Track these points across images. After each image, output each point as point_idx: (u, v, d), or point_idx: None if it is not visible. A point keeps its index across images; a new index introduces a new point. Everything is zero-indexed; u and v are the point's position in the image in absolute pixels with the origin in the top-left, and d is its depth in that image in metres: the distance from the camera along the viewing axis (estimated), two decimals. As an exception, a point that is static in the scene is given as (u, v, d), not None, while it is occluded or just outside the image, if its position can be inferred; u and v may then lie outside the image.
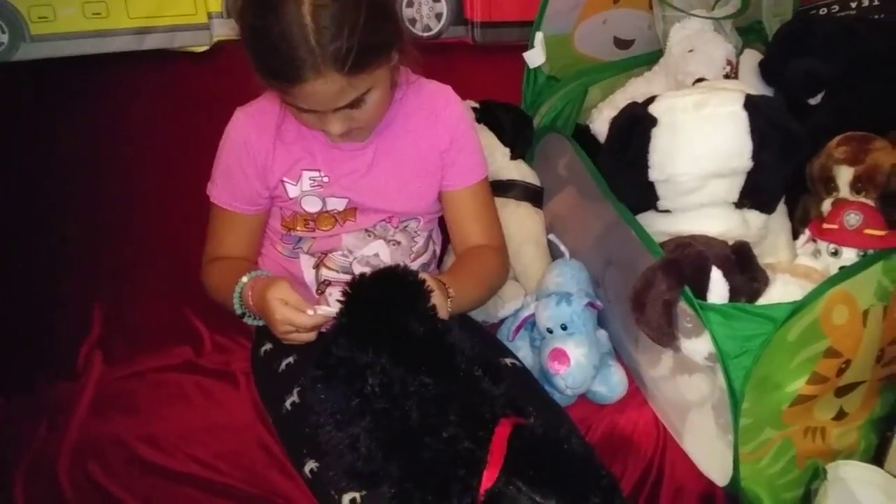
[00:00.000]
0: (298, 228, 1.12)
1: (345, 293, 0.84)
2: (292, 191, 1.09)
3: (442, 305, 0.92)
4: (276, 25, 0.86)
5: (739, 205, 1.14)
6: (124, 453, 1.06)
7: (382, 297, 0.83)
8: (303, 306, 0.95)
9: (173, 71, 1.39)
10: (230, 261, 1.12)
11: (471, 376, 0.84)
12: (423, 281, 0.87)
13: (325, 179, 1.08)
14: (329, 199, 1.09)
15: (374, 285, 0.85)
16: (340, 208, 1.10)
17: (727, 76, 1.39)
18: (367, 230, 1.13)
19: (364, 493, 0.87)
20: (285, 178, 1.08)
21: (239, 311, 1.06)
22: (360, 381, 0.79)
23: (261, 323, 1.05)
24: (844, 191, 1.20)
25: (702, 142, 1.09)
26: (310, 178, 1.08)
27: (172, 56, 1.37)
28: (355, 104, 0.95)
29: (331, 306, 0.92)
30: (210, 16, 1.35)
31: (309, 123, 0.99)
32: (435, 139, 1.11)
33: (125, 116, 1.39)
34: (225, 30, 1.37)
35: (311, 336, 0.97)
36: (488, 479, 0.77)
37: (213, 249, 1.13)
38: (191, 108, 1.40)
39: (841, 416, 1.08)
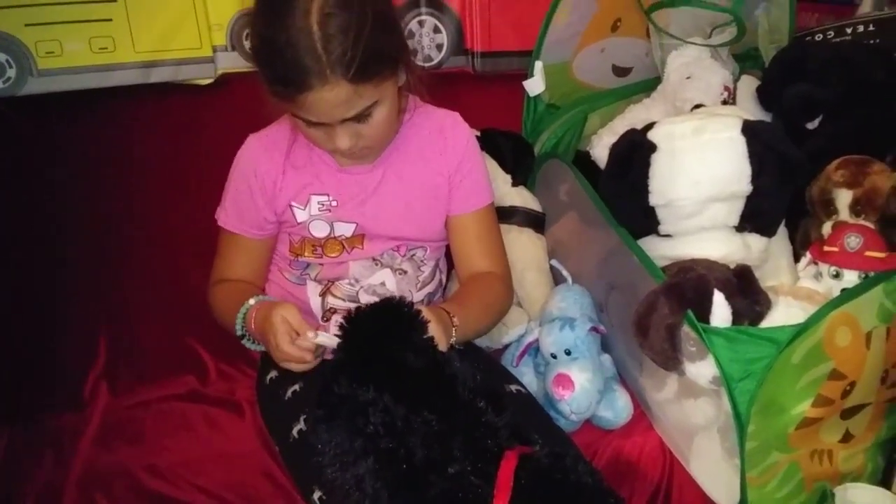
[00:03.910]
0: (306, 254, 1.12)
1: (341, 327, 0.83)
2: (300, 215, 1.10)
3: (440, 336, 0.91)
4: (283, 34, 0.88)
5: (740, 228, 1.14)
6: (130, 483, 1.06)
7: (378, 331, 0.83)
8: (304, 329, 0.95)
9: (178, 103, 1.40)
10: (237, 283, 1.12)
11: (473, 408, 0.82)
12: (419, 312, 0.86)
13: (334, 203, 1.09)
14: (337, 224, 1.10)
15: (369, 319, 0.84)
16: (348, 234, 1.11)
17: (725, 102, 1.41)
18: (374, 258, 1.13)
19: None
20: (293, 203, 1.09)
21: (239, 332, 1.06)
22: (363, 420, 0.78)
23: (260, 348, 1.06)
24: (844, 213, 1.20)
25: (701, 167, 1.10)
26: (318, 203, 1.09)
27: (177, 89, 1.39)
28: (362, 118, 0.96)
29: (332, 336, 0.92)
30: (215, 49, 1.37)
31: (317, 140, 1.00)
32: (442, 163, 1.12)
33: (131, 148, 1.40)
34: (229, 63, 1.39)
35: (309, 365, 0.97)
36: (497, 513, 0.76)
37: (220, 272, 1.14)
38: (195, 140, 1.42)
39: (847, 438, 1.08)
